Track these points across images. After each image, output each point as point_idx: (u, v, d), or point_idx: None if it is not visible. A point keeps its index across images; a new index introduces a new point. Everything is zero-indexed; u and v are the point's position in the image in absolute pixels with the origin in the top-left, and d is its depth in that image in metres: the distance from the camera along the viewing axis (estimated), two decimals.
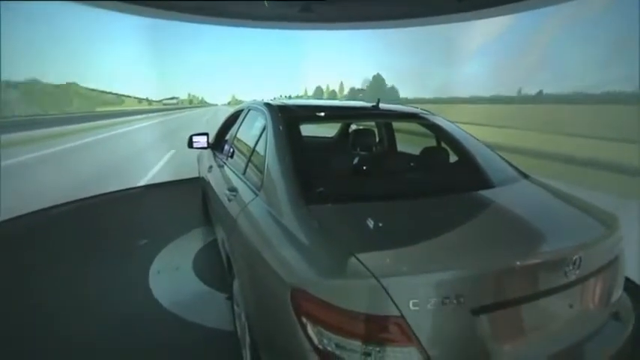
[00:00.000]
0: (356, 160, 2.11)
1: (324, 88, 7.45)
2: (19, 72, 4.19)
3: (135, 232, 3.68)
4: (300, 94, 7.28)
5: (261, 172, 1.68)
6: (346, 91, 7.21)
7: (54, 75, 4.58)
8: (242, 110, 2.75)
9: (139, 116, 5.95)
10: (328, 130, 3.93)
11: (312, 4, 5.23)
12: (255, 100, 2.55)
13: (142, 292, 2.64)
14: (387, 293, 0.98)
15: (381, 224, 1.36)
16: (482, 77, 5.77)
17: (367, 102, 2.46)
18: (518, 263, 1.14)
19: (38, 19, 4.21)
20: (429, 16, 5.84)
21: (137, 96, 5.92)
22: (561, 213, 1.59)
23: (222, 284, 2.62)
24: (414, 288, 1.02)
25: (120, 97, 5.66)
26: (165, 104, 6.26)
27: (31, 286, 2.75)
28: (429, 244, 1.24)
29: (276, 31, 6.49)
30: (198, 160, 3.96)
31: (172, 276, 2.88)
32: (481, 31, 5.68)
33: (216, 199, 2.34)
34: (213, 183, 2.65)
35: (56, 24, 4.41)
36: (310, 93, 7.39)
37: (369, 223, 1.34)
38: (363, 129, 2.74)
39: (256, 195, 1.65)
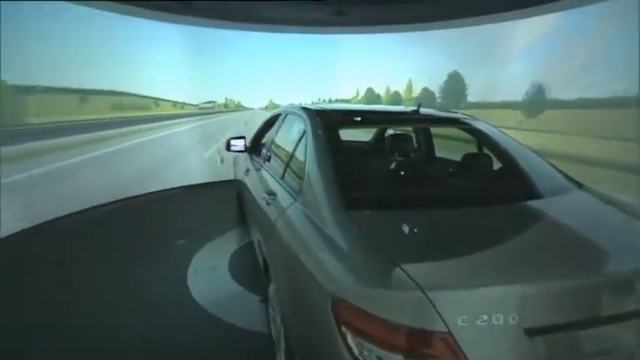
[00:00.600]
0: (395, 166, 2.07)
1: (362, 91, 7.36)
2: (69, 78, 4.49)
3: (174, 232, 3.81)
4: (340, 98, 7.25)
5: (301, 176, 1.68)
6: (416, 93, 6.92)
7: (98, 81, 4.88)
8: (279, 115, 2.79)
9: (177, 120, 6.18)
10: (361, 135, 3.90)
11: (346, 8, 5.26)
12: (292, 105, 2.57)
13: (181, 290, 2.73)
14: (434, 307, 0.94)
15: (424, 233, 1.31)
16: (528, 79, 5.46)
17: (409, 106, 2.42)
18: (581, 283, 1.06)
19: (85, 26, 4.49)
20: (462, 17, 5.68)
21: (175, 100, 6.15)
22: (627, 229, 1.46)
23: (256, 286, 2.66)
24: (464, 303, 0.97)
25: (156, 101, 5.90)
26: (201, 108, 6.46)
27: (75, 282, 2.89)
28: (478, 257, 1.18)
29: (312, 35, 6.54)
30: (234, 162, 4.04)
31: (209, 276, 2.95)
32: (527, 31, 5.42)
33: (254, 202, 2.37)
34: (250, 186, 2.69)
35: (99, 32, 4.69)
36: (355, 96, 7.32)
37: (411, 231, 1.30)
38: (401, 134, 2.69)
39: (295, 200, 1.65)
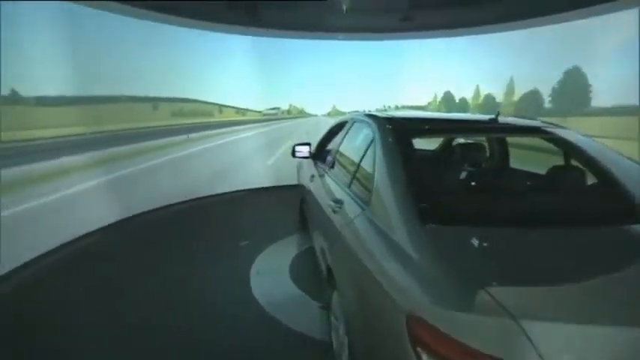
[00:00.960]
0: (470, 177, 1.94)
1: (427, 96, 7.13)
2: (144, 88, 4.97)
3: (237, 233, 3.98)
4: (407, 105, 7.10)
5: (369, 186, 1.64)
6: (518, 96, 6.56)
7: (170, 89, 5.33)
8: (346, 122, 2.78)
9: (241, 126, 6.50)
10: (422, 143, 3.74)
11: (412, 13, 5.14)
12: (359, 112, 2.55)
13: (243, 290, 2.83)
14: (529, 338, 0.84)
15: (509, 254, 1.20)
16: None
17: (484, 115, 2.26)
18: None
19: (160, 40, 4.95)
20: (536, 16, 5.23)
21: (240, 107, 6.48)
22: None
23: (315, 292, 2.67)
24: (565, 338, 0.86)
25: (221, 108, 6.24)
26: (265, 114, 6.71)
27: (142, 278, 3.08)
28: (579, 288, 1.05)
29: (376, 42, 6.51)
30: (298, 168, 4.11)
31: (271, 278, 3.02)
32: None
33: (319, 208, 2.38)
34: (314, 192, 2.71)
35: (173, 45, 5.16)
36: (430, 101, 7.10)
37: (494, 250, 1.20)
38: (474, 142, 2.53)
39: (363, 209, 1.61)
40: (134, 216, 4.51)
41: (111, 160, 4.52)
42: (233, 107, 6.42)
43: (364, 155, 1.93)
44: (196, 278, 3.06)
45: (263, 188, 5.92)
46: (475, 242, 1.25)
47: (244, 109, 6.55)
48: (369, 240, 1.45)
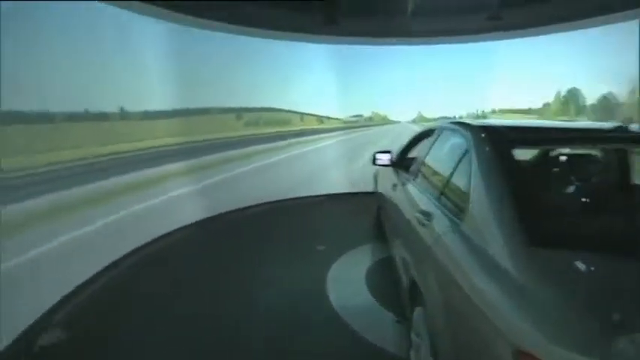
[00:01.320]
0: (579, 193, 1.70)
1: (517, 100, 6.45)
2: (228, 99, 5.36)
3: (314, 237, 4.05)
4: (501, 109, 6.56)
5: (464, 200, 1.52)
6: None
7: (256, 100, 5.66)
8: (432, 130, 2.66)
9: (323, 135, 6.60)
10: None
11: (501, 11, 4.75)
12: (447, 119, 2.41)
13: (319, 294, 2.86)
14: None
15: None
16: None
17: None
18: None
19: (243, 51, 5.29)
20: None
21: (321, 114, 6.58)
22: None
23: (392, 304, 2.58)
24: None
25: (302, 116, 6.40)
26: (346, 122, 6.72)
27: (222, 276, 3.26)
28: None
29: (464, 44, 6.15)
30: (376, 176, 4.06)
31: (347, 285, 3.01)
32: None
33: (401, 218, 2.30)
34: (397, 202, 2.63)
35: (257, 58, 5.47)
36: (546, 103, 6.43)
37: (622, 285, 1.01)
38: (584, 154, 2.20)
39: (457, 225, 1.50)
40: (222, 214, 4.89)
41: (205, 168, 4.98)
42: (314, 115, 6.55)
43: (457, 166, 1.81)
44: (273, 277, 3.18)
45: (340, 194, 5.96)
46: (596, 272, 1.08)
47: (326, 117, 6.64)
48: (465, 259, 1.33)
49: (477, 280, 1.20)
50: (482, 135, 1.74)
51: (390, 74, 6.44)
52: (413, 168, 2.64)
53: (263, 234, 4.36)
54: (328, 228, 4.50)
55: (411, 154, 3.16)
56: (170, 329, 2.50)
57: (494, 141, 1.66)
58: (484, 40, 5.95)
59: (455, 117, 6.26)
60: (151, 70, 4.20)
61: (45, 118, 2.90)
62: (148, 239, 3.88)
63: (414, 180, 2.52)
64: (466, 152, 1.74)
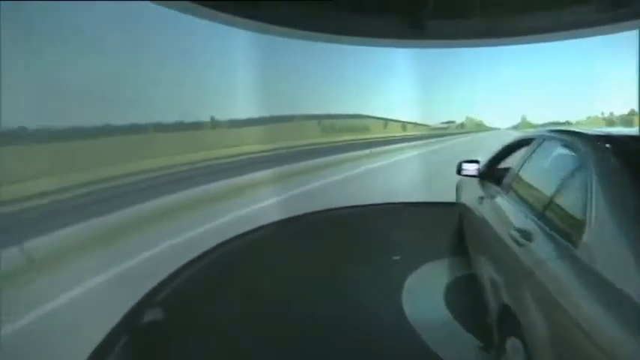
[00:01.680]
0: None
1: None
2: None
3: (390, 246, 3.94)
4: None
5: (580, 222, 1.32)
6: None
7: (339, 107, 5.72)
8: (530, 139, 2.41)
9: (407, 143, 6.34)
10: None
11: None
12: (551, 128, 2.16)
13: (394, 305, 2.78)
14: None
15: None
16: None
17: None
18: None
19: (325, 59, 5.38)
20: None
21: (407, 121, 6.36)
22: None
23: (475, 327, 2.38)
24: None
25: (386, 123, 6.26)
26: (433, 129, 6.31)
27: (296, 279, 3.26)
28: None
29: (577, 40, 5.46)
30: (458, 186, 3.83)
31: (424, 299, 2.88)
32: None
33: (491, 235, 2.11)
34: (484, 216, 2.44)
35: (343, 64, 5.50)
36: None
37: None
38: None
39: (569, 249, 1.31)
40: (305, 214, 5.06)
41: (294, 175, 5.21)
42: (399, 121, 6.34)
43: (565, 182, 1.60)
44: (347, 282, 3.16)
45: (418, 203, 5.75)
46: None
47: (412, 123, 6.34)
48: (582, 291, 1.14)
49: (600, 317, 1.03)
50: (605, 147, 1.51)
51: (488, 76, 5.92)
52: (505, 180, 2.42)
53: (341, 236, 4.38)
54: (403, 237, 4.34)
55: (502, 165, 2.92)
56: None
57: (619, 154, 1.43)
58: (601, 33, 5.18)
59: (566, 123, 5.50)
60: (238, 80, 4.52)
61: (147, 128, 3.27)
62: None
63: (506, 194, 2.30)
64: (580, 166, 1.53)
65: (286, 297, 2.98)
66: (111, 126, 2.87)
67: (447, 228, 3.96)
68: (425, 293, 2.97)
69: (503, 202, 2.25)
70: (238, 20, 4.22)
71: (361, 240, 4.26)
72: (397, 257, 3.64)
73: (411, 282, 3.15)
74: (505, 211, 2.14)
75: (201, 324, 2.58)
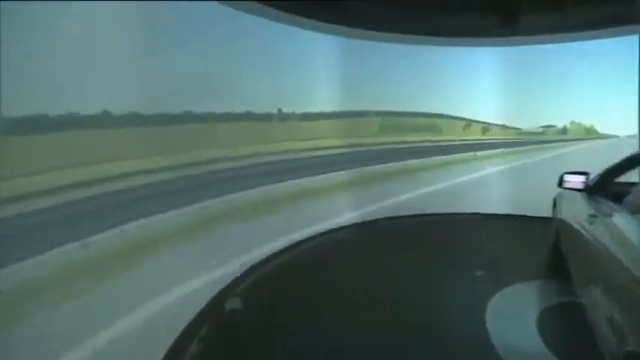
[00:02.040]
0: None
1: None
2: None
3: (472, 260, 3.65)
4: None
5: None
6: None
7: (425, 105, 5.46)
8: None
9: (494, 150, 5.79)
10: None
11: None
12: None
13: (479, 330, 2.50)
14: None
15: None
16: None
17: None
18: None
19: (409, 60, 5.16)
20: None
21: (494, 123, 5.79)
22: None
23: None
24: None
25: (468, 124, 5.83)
26: (526, 133, 5.54)
27: (373, 290, 3.13)
28: None
29: None
30: (557, 199, 3.42)
31: (513, 325, 2.57)
32: None
33: (613, 264, 1.79)
34: (601, 239, 2.08)
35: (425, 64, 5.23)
36: None
37: None
38: None
39: None
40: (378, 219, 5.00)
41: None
42: (484, 123, 5.78)
43: None
44: (426, 298, 2.97)
45: (504, 215, 5.26)
46: None
47: (500, 126, 5.67)
48: None
49: None
50: None
51: (596, 72, 4.97)
52: (629, 198, 2.04)
53: (419, 245, 4.24)
54: (487, 252, 3.98)
55: (625, 179, 2.50)
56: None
57: None
58: None
59: None
60: (314, 75, 4.58)
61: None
62: None
63: (630, 214, 1.94)
64: None
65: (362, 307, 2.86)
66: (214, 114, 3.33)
67: (534, 244, 3.55)
68: (513, 317, 2.66)
69: (628, 224, 1.90)
70: (316, 24, 4.26)
71: (443, 248, 4.02)
72: (481, 273, 3.33)
73: (498, 302, 2.83)
74: (629, 236, 1.81)
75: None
